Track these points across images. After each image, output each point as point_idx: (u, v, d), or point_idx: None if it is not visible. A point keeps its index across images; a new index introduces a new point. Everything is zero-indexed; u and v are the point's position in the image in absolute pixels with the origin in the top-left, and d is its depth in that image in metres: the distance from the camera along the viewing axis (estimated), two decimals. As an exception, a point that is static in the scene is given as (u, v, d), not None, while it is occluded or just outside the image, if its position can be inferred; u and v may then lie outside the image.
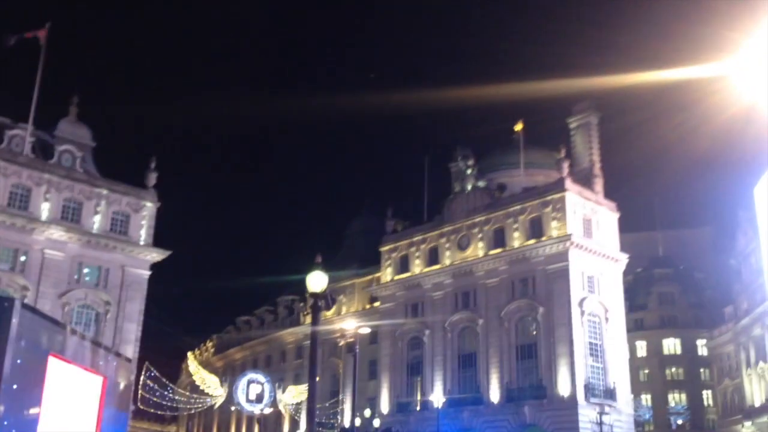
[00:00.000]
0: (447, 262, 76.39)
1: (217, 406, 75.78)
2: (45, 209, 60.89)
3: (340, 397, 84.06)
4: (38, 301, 56.20)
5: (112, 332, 61.12)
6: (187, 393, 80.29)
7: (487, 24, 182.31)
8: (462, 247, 75.74)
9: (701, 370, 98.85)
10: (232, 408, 75.90)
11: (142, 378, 65.17)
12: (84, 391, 18.50)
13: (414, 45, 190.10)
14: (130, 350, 59.63)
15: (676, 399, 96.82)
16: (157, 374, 66.90)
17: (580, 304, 66.67)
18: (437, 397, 68.37)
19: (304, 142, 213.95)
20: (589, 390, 64.40)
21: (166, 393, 68.64)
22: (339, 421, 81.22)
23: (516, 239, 71.29)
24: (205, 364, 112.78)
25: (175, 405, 72.47)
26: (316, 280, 18.64)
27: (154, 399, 66.91)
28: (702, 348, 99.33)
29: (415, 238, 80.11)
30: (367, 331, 69.54)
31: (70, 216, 62.35)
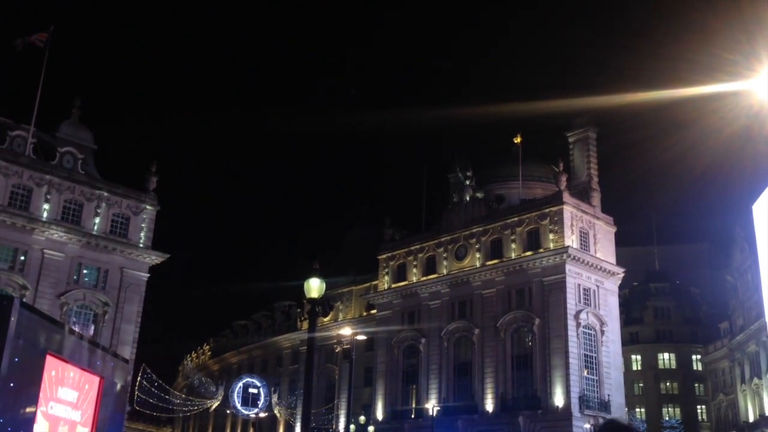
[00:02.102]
0: (444, 271, 76.69)
1: (212, 409, 76.10)
2: (45, 210, 61.26)
3: (336, 402, 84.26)
4: (37, 300, 56.51)
5: (110, 333, 61.38)
6: (183, 395, 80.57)
7: (491, 44, 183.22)
8: (459, 257, 76.06)
9: (696, 384, 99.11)
10: (228, 411, 76.20)
11: (138, 379, 65.46)
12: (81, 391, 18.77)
13: (417, 62, 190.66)
14: (128, 351, 59.85)
15: (670, 413, 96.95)
16: (154, 376, 67.18)
17: (576, 316, 66.97)
18: (432, 405, 68.63)
19: (304, 150, 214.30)
20: (584, 402, 64.62)
21: (162, 395, 68.91)
22: (334, 426, 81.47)
23: (513, 250, 71.62)
24: (202, 367, 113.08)
25: (170, 407, 72.75)
26: (314, 286, 18.94)
27: (150, 401, 67.20)
28: (697, 363, 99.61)
29: (413, 247, 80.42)
30: (363, 338, 69.88)
31: (70, 217, 62.70)
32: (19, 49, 57.04)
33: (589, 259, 69.33)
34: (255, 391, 69.84)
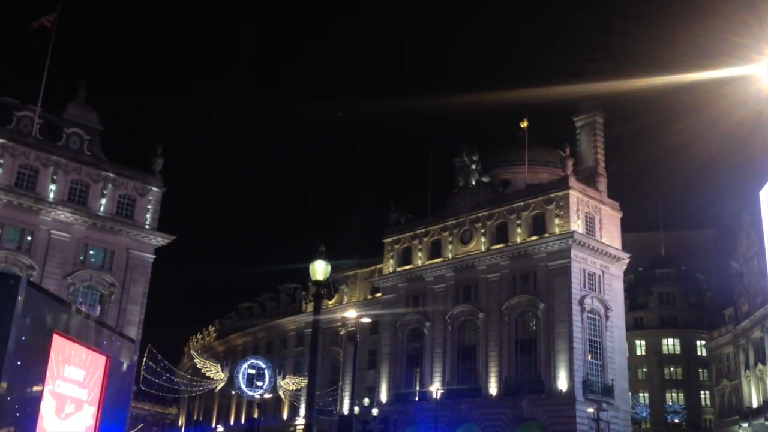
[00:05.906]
0: (449, 255, 76.72)
1: (217, 389, 76.52)
2: (52, 190, 61.42)
3: (340, 385, 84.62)
4: (44, 281, 56.74)
5: (116, 314, 61.71)
6: (189, 376, 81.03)
7: (498, 30, 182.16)
8: (464, 241, 76.05)
9: (700, 370, 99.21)
10: (233, 392, 76.56)
11: (144, 360, 65.86)
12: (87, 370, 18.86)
13: (424, 46, 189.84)
14: (133, 332, 60.11)
15: (673, 398, 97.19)
16: (160, 356, 67.57)
17: (581, 301, 66.97)
18: (436, 388, 68.88)
19: (310, 132, 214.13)
20: (587, 386, 64.75)
21: (168, 375, 69.32)
22: (338, 409, 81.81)
23: (518, 235, 71.56)
24: (207, 349, 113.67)
25: (176, 387, 73.19)
26: (319, 269, 18.95)
27: (156, 381, 67.64)
28: (701, 348, 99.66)
29: (418, 231, 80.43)
30: (368, 321, 70.08)
31: (76, 198, 62.87)
32: (32, 32, 57.08)
33: (594, 244, 69.26)
34: (260, 372, 70.18)
